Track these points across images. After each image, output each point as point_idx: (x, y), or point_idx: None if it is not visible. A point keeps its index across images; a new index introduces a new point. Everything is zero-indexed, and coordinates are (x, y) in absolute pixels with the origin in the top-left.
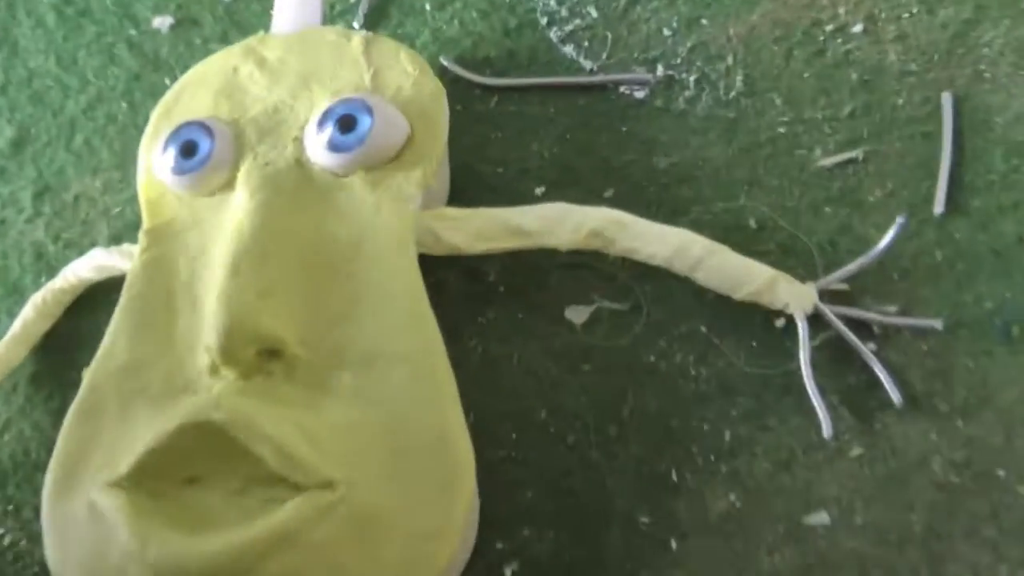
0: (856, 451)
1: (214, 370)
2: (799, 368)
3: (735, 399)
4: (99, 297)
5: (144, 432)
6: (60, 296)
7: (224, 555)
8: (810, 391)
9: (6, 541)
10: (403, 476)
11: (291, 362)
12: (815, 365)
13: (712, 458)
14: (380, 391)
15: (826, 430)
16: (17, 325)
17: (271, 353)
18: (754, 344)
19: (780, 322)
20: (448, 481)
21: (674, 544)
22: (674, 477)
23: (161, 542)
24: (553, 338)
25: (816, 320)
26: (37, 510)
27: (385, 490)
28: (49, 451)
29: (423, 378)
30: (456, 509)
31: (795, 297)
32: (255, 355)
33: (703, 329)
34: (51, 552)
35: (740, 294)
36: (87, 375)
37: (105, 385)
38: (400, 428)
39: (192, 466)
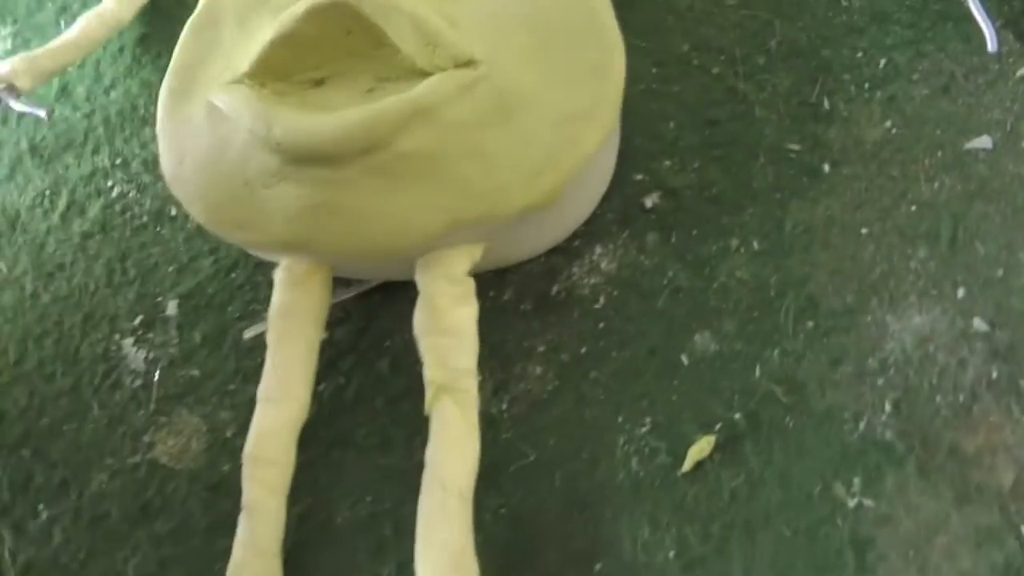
0: (1021, 72)
1: None
2: None
3: (889, 27)
4: None
5: (268, 35)
6: None
7: (356, 126)
8: (971, 4)
9: (115, 192)
10: (550, 57)
11: None
12: None
13: (866, 86)
14: None
15: (991, 43)
16: None
17: None
18: None
19: None
20: (598, 62)
21: (827, 168)
22: (826, 105)
23: (288, 121)
24: None
25: None
26: (146, 163)
27: (531, 70)
28: None
29: None
30: (607, 91)
31: None
32: None
33: None
34: (166, 158)
35: None
36: None
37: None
38: (548, 13)
39: (319, 62)
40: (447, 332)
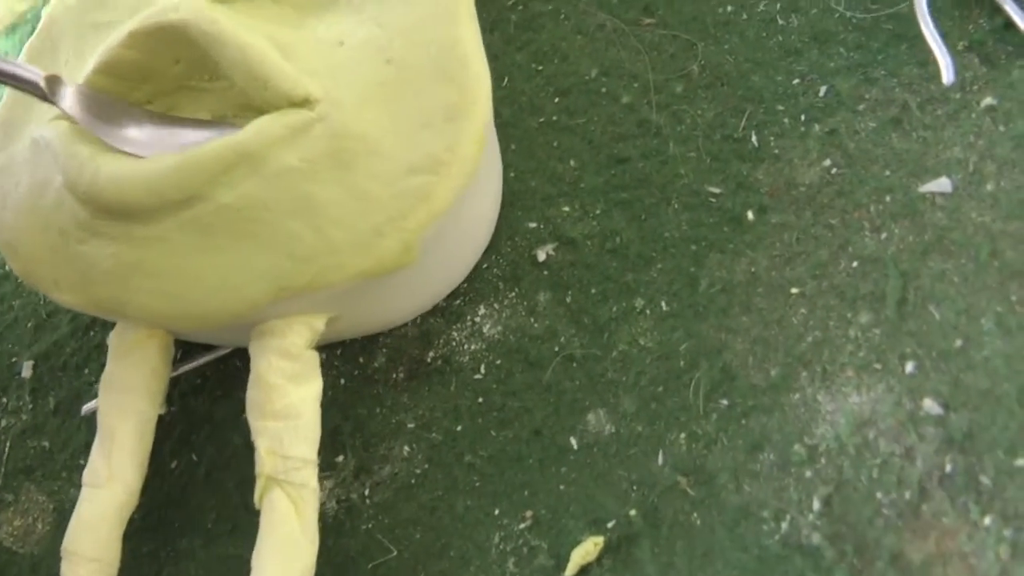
0: (987, 101)
1: None
2: (913, 8)
3: (833, 49)
4: None
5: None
6: None
7: (167, 175)
8: (924, 28)
9: None
10: (401, 95)
11: None
12: (938, 9)
13: (803, 118)
14: (378, 3)
15: (946, 75)
16: None
17: None
18: None
19: None
20: (455, 103)
21: (751, 216)
22: (754, 140)
23: (98, 164)
24: None
25: None
26: None
27: (376, 111)
28: None
29: None
30: (464, 137)
31: None
32: None
33: None
34: None
35: None
36: (44, 12)
37: (63, 20)
38: (401, 43)
39: (150, 95)
40: (280, 415)
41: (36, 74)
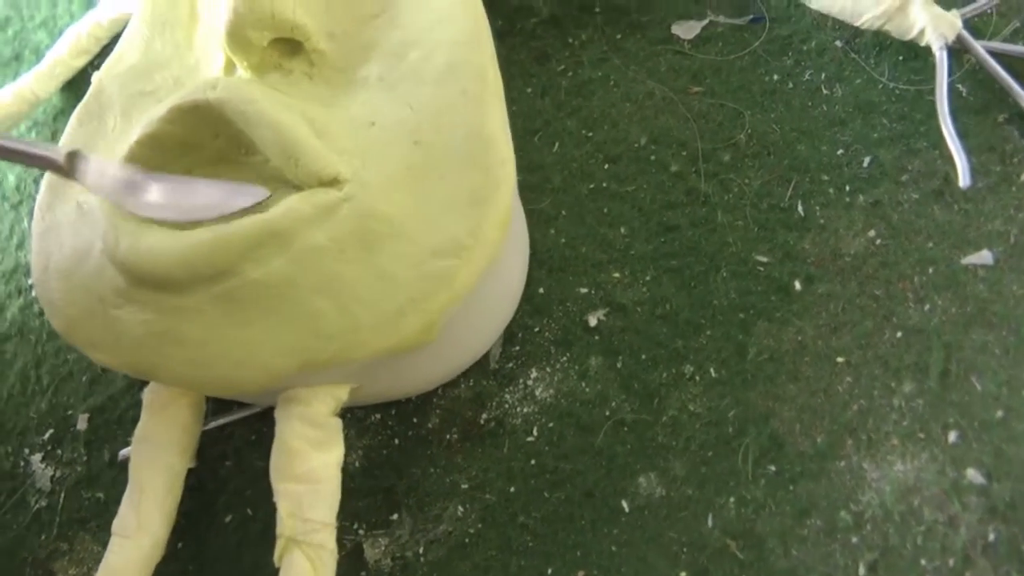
0: None
1: (229, 68)
2: (954, 84)
3: (877, 120)
4: None
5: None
6: (97, 31)
7: (199, 250)
8: (944, 129)
9: (34, 292)
10: (427, 177)
11: (314, 60)
12: (979, 81)
13: (847, 188)
14: (410, 83)
15: (963, 179)
16: (47, 61)
17: (291, 48)
18: (901, 57)
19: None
20: (480, 187)
21: (798, 285)
22: (800, 210)
23: (135, 236)
24: (657, 58)
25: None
26: None
27: (402, 195)
28: None
29: (461, 68)
30: (486, 225)
31: (934, 22)
32: (272, 47)
33: (838, 43)
34: (35, 260)
35: (865, 18)
36: (95, 78)
37: (112, 87)
38: (429, 126)
39: (189, 166)
40: (302, 479)
41: (56, 152)
